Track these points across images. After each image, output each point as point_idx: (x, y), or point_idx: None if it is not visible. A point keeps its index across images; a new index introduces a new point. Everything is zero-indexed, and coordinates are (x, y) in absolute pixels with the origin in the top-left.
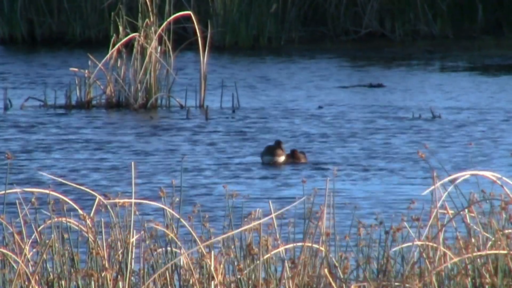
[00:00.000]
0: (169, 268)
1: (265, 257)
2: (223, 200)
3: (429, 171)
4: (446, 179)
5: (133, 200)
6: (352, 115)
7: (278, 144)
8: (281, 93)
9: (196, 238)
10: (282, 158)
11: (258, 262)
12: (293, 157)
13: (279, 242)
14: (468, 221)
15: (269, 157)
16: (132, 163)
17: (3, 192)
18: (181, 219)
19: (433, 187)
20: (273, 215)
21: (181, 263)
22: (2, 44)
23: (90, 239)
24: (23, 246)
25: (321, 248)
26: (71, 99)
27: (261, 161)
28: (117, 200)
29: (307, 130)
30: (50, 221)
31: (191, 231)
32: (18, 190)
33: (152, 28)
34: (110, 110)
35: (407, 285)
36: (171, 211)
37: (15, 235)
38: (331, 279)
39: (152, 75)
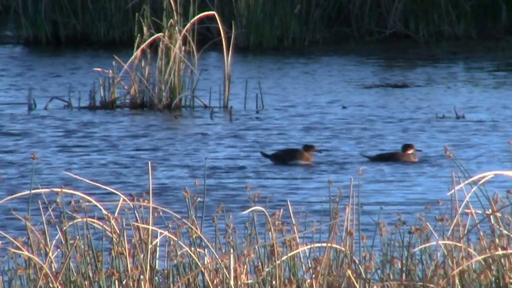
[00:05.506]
0: (192, 269)
1: (284, 257)
2: (246, 200)
3: (453, 171)
4: (470, 180)
5: (151, 205)
6: (376, 115)
7: (305, 149)
8: (305, 93)
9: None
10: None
11: (279, 262)
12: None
13: (302, 242)
14: (492, 221)
15: (293, 161)
16: (149, 163)
17: (28, 192)
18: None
19: (456, 188)
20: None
21: (205, 263)
22: (26, 45)
23: (113, 240)
24: (47, 248)
25: (344, 248)
26: (95, 100)
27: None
28: (140, 202)
29: (331, 130)
30: (72, 221)
31: (216, 233)
32: (42, 190)
33: (177, 28)
34: (134, 111)
35: (430, 285)
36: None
37: (39, 236)
38: (354, 280)
39: (176, 75)
